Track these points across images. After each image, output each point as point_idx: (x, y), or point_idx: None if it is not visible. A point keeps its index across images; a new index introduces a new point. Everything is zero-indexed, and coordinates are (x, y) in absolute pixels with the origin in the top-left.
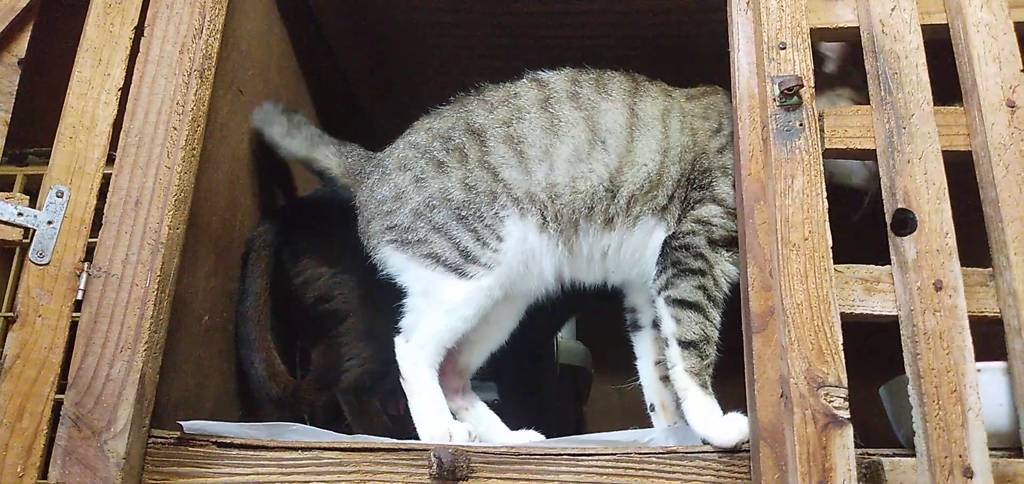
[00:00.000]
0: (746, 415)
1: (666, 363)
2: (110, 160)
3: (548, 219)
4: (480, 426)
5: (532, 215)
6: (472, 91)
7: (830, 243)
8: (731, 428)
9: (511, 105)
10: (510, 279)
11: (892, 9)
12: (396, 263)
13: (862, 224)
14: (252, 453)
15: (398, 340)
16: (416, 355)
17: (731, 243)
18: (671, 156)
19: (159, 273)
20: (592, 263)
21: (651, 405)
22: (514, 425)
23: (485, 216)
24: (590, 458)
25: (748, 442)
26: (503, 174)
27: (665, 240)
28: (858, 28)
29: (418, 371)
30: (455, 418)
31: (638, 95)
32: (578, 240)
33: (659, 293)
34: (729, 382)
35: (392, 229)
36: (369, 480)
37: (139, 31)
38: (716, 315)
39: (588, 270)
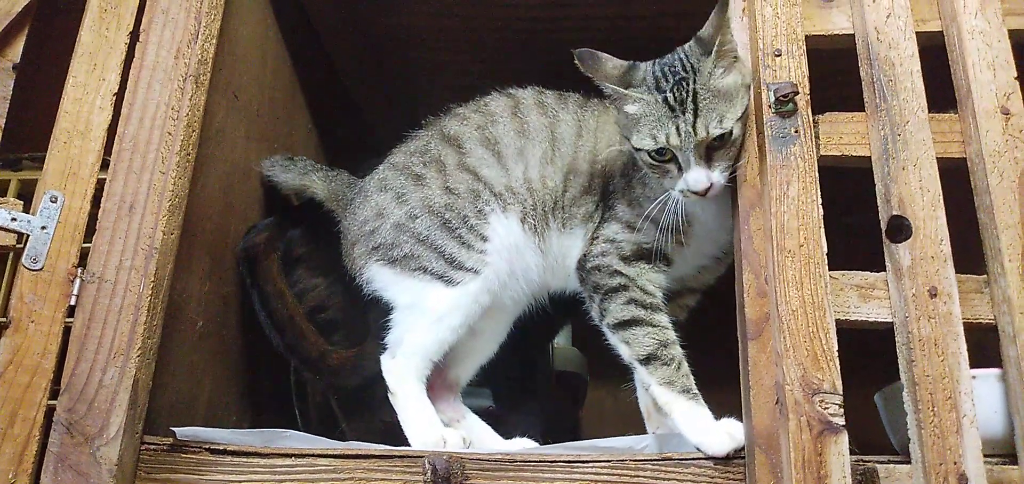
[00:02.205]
0: (739, 421)
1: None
2: (104, 165)
3: (527, 210)
4: (473, 437)
5: (514, 208)
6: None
7: (825, 249)
8: (723, 437)
9: (483, 112)
10: (499, 281)
11: (887, 16)
12: (382, 280)
13: (858, 231)
14: (245, 460)
15: (384, 357)
16: (403, 369)
17: (643, 256)
18: (597, 168)
19: (153, 278)
20: (557, 265)
21: (645, 411)
22: (509, 432)
23: (469, 217)
24: (585, 465)
25: (742, 449)
26: (483, 172)
27: (579, 261)
28: (853, 35)
29: (406, 385)
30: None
31: (586, 107)
32: (549, 237)
33: (601, 324)
34: (725, 388)
35: (376, 249)
36: None
37: (134, 36)
38: (661, 318)
39: (555, 273)
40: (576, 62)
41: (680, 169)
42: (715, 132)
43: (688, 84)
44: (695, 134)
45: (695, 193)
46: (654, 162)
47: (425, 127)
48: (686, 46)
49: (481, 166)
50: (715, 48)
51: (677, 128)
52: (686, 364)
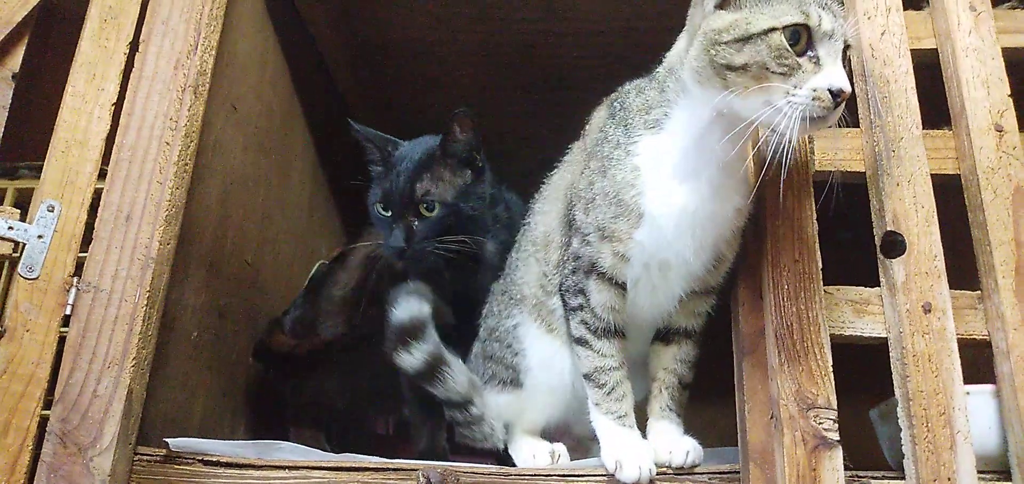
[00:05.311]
0: (650, 447)
1: None
2: (102, 175)
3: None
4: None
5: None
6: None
7: (820, 265)
8: (633, 467)
9: None
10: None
11: (882, 33)
12: None
13: (852, 246)
14: (239, 472)
15: None
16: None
17: (590, 270)
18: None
19: (148, 289)
20: None
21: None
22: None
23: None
24: (581, 479)
25: (651, 478)
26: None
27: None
28: None
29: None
30: None
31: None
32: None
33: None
34: (720, 403)
35: None
36: None
37: (134, 46)
38: (603, 345)
39: None
40: None
41: (814, 65)
42: (854, 39)
43: None
44: (846, 26)
45: (835, 94)
46: (780, 50)
47: None
48: None
49: None
50: None
51: (829, 11)
52: (622, 389)
